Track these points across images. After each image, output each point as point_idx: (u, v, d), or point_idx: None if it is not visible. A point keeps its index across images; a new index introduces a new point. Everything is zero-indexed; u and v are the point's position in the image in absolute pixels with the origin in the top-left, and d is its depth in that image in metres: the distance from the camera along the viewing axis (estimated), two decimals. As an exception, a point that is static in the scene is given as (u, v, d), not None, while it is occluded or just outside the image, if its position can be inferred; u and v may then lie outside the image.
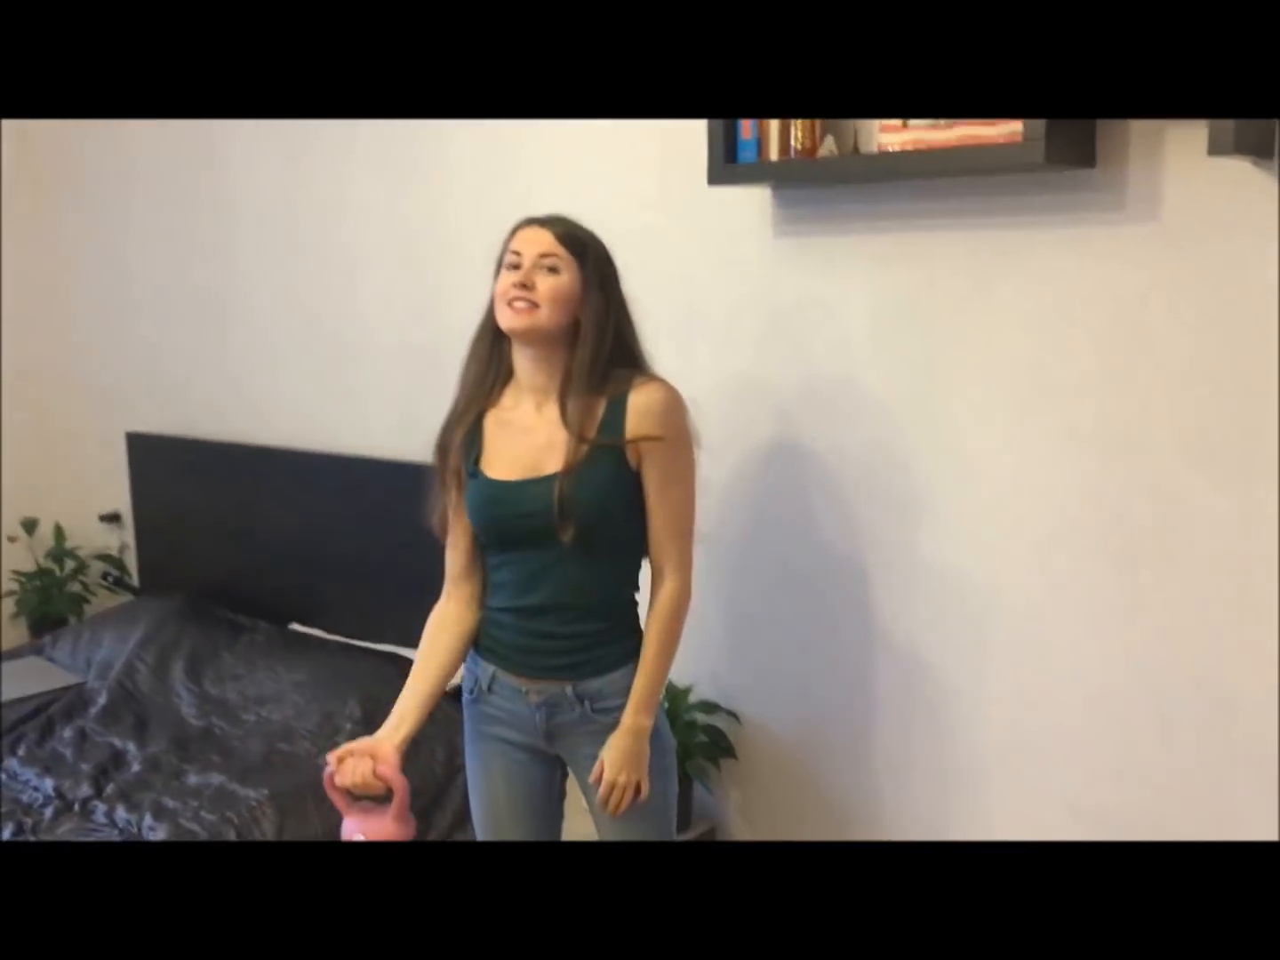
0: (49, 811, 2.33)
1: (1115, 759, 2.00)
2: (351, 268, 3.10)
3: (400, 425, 3.06)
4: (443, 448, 1.89)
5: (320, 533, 3.20)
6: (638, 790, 1.81)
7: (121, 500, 3.87)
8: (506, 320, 1.77)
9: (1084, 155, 1.84)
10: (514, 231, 1.83)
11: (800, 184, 2.19)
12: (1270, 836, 1.85)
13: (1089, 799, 2.04)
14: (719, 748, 2.47)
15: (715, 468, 2.14)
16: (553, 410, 1.80)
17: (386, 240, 3.00)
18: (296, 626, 3.21)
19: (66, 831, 2.23)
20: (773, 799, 2.49)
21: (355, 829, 1.81)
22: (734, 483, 2.40)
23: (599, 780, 1.81)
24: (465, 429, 1.85)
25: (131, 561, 3.88)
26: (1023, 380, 2.03)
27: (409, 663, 2.84)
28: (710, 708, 2.47)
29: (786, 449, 2.33)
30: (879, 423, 2.20)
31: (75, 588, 3.93)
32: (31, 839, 2.18)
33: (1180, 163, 1.79)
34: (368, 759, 1.78)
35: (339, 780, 1.80)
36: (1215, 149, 1.61)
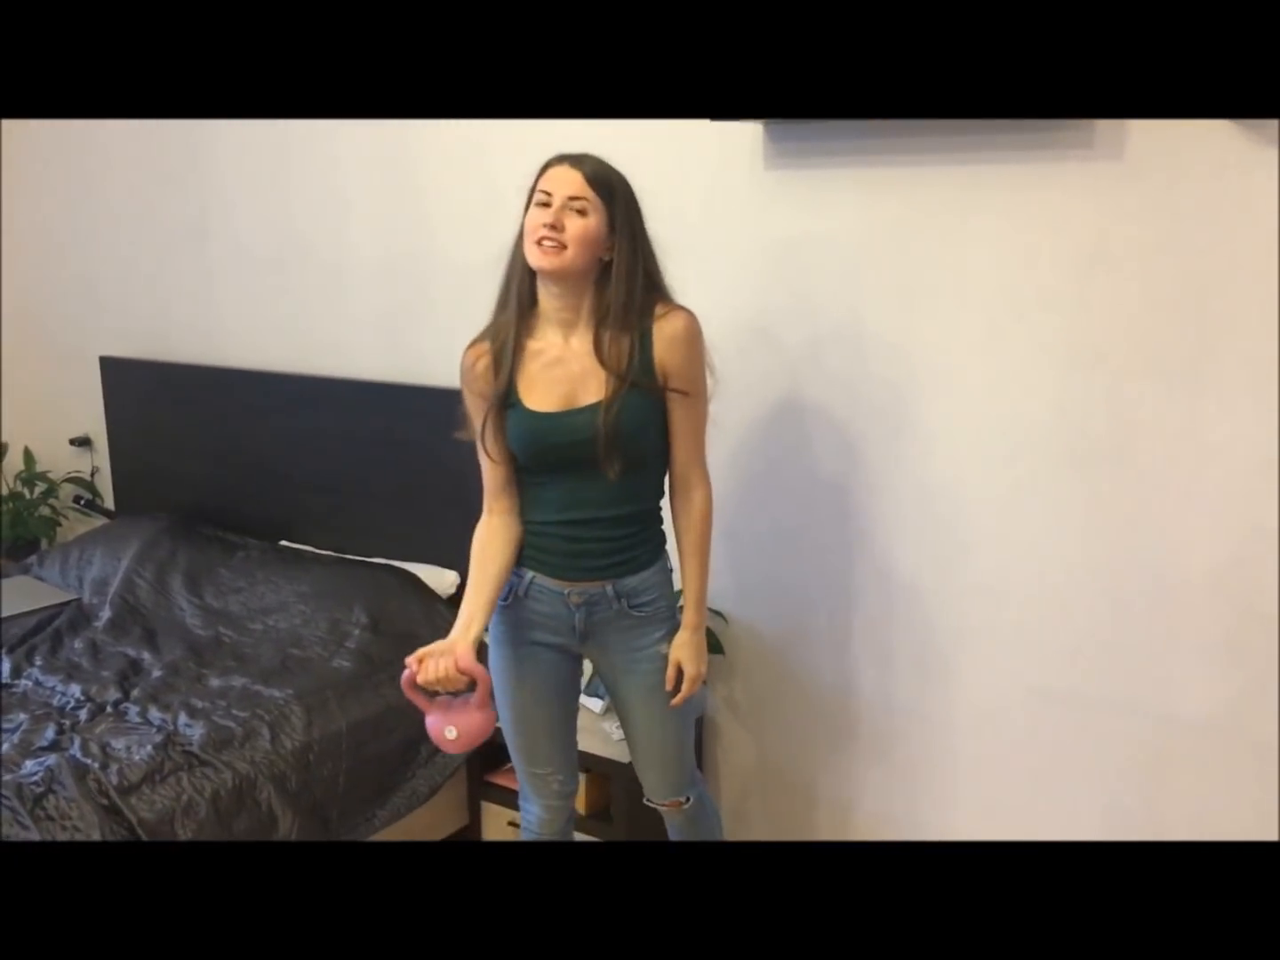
0: (83, 714, 2.46)
1: (1073, 641, 2.26)
2: (336, 191, 3.18)
3: (383, 347, 3.18)
4: (470, 374, 1.98)
5: (302, 453, 3.31)
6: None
7: (91, 424, 3.93)
8: (535, 259, 1.86)
9: (1059, 99, 2.04)
10: (544, 169, 1.90)
11: (791, 119, 2.35)
12: (1207, 708, 2.13)
13: (1049, 678, 2.29)
14: (708, 645, 2.68)
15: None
16: (580, 342, 1.92)
17: (373, 163, 3.09)
18: (285, 543, 3.34)
19: (105, 731, 2.36)
20: (757, 691, 2.72)
21: (444, 723, 1.93)
22: (723, 402, 2.58)
23: (675, 681, 2.01)
24: (493, 357, 1.94)
25: (103, 485, 3.94)
26: (994, 301, 2.24)
27: (407, 574, 3.02)
28: (699, 608, 2.68)
29: (767, 368, 2.52)
30: (861, 342, 2.40)
31: (46, 511, 3.99)
32: (75, 738, 2.31)
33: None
34: (448, 656, 1.89)
35: (421, 678, 1.89)
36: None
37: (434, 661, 1.89)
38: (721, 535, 2.67)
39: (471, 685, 1.92)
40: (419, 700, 1.95)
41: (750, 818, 2.79)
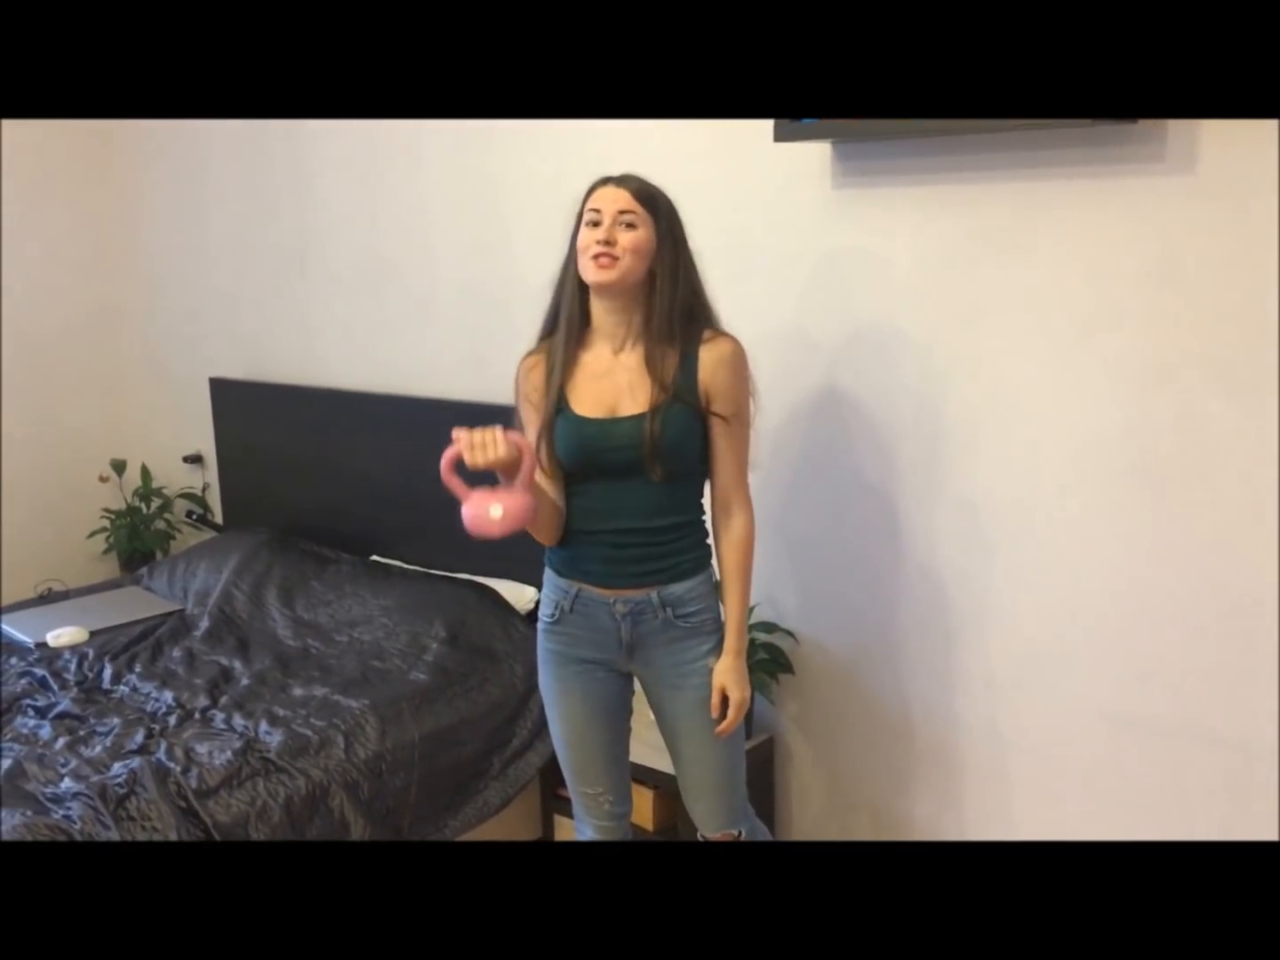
0: (173, 719, 2.58)
1: (1142, 663, 2.19)
2: (424, 219, 3.29)
3: (468, 368, 3.26)
4: (525, 381, 2.07)
5: (395, 470, 3.40)
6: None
7: (203, 443, 4.10)
8: (591, 274, 1.95)
9: (1126, 112, 1.99)
10: (591, 190, 2.01)
11: (859, 139, 2.35)
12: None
13: (1122, 702, 2.23)
14: (777, 664, 2.67)
15: (769, 407, 2.27)
16: (629, 356, 2.00)
17: (459, 191, 3.19)
18: (377, 558, 3.44)
19: (190, 736, 2.46)
20: (826, 710, 2.70)
21: (488, 501, 1.84)
22: (786, 421, 2.58)
23: (721, 709, 2.01)
24: (547, 369, 2.03)
25: (213, 500, 4.12)
26: (1061, 319, 2.19)
27: (487, 589, 3.08)
28: (769, 628, 2.68)
29: (835, 388, 2.51)
30: (925, 361, 2.37)
31: (161, 525, 4.19)
32: (162, 743, 2.42)
33: (1216, 121, 1.95)
34: (495, 428, 1.85)
35: (464, 445, 1.83)
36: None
37: (482, 431, 1.86)
38: (788, 553, 2.67)
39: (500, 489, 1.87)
40: (457, 486, 1.87)
41: (819, 838, 2.77)
